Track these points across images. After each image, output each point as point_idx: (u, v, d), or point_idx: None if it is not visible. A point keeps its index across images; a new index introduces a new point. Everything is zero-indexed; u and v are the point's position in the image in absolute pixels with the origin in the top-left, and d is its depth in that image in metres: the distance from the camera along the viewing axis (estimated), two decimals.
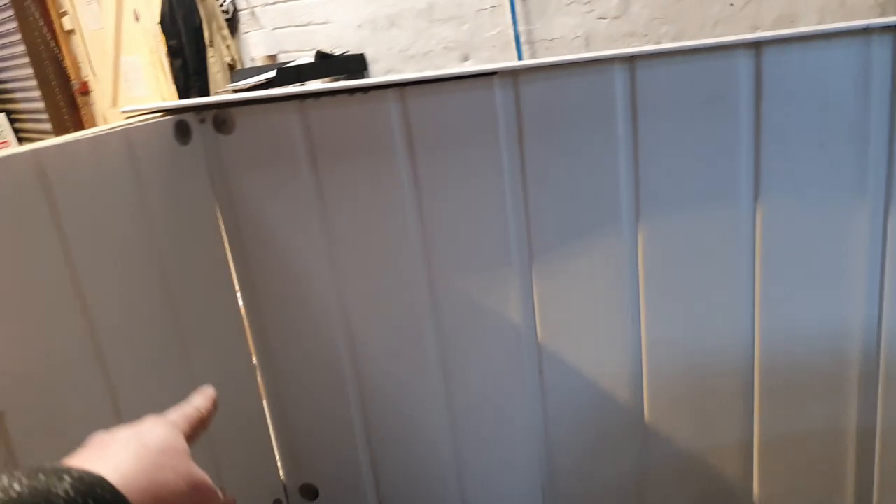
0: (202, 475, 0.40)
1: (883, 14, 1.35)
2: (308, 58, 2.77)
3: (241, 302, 0.75)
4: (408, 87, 0.66)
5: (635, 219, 0.69)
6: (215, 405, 0.46)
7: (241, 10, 2.95)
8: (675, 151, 0.67)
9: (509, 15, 2.04)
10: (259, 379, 0.78)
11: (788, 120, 0.64)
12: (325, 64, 2.73)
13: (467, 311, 0.74)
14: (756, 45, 0.63)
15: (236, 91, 2.52)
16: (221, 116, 0.67)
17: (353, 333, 0.75)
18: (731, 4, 1.56)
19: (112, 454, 0.37)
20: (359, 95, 0.66)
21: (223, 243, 0.71)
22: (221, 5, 2.81)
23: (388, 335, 0.75)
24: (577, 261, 0.72)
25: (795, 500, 0.74)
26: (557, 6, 1.92)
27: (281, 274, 0.73)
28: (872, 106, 0.62)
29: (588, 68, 0.65)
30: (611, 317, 0.73)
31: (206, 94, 2.78)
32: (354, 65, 2.79)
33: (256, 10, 2.93)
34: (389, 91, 0.66)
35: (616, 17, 1.79)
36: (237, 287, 0.74)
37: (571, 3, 1.89)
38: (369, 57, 2.78)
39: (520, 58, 2.06)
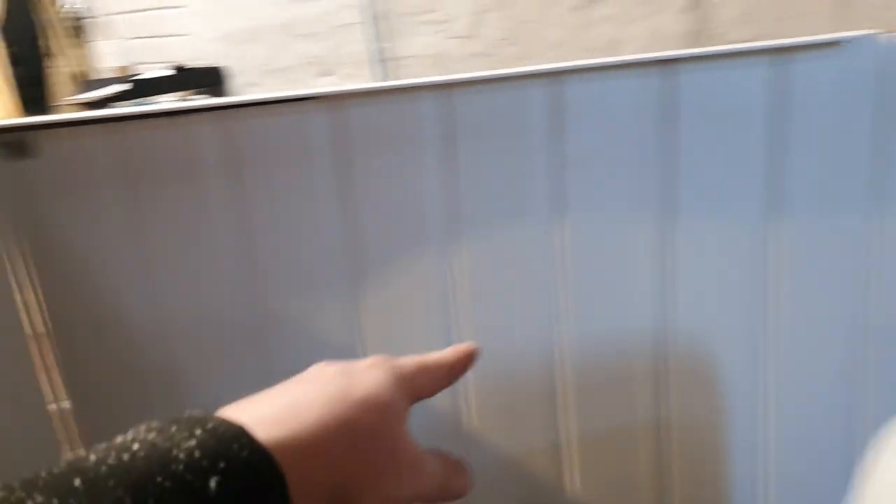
0: (413, 447, 0.30)
1: (688, 47, 1.50)
2: (162, 70, 2.67)
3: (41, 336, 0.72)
4: (226, 110, 0.67)
5: (447, 236, 0.73)
6: (470, 359, 0.37)
7: (92, 17, 2.80)
8: (487, 173, 0.71)
9: (366, 32, 2.07)
10: (69, 423, 0.74)
11: (584, 144, 0.70)
12: (181, 77, 2.64)
13: (293, 331, 0.75)
14: (555, 75, 0.69)
15: (82, 103, 2.38)
16: (21, 140, 0.64)
17: (176, 361, 0.74)
18: (569, 27, 1.68)
19: (291, 397, 0.28)
20: (176, 118, 0.66)
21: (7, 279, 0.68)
22: (60, 12, 2.64)
23: (212, 360, 0.74)
24: (398, 280, 0.75)
25: (603, 490, 0.81)
26: (412, 25, 1.98)
27: (96, 307, 0.71)
28: (650, 129, 0.70)
29: (402, 95, 0.69)
30: (430, 332, 0.77)
31: (43, 105, 2.60)
32: (211, 78, 2.72)
33: (110, 18, 2.78)
34: (205, 114, 0.66)
35: (467, 38, 1.87)
36: (47, 322, 0.71)
37: (425, 23, 1.95)
38: (229, 71, 2.72)
39: (378, 74, 2.09)
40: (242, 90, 2.71)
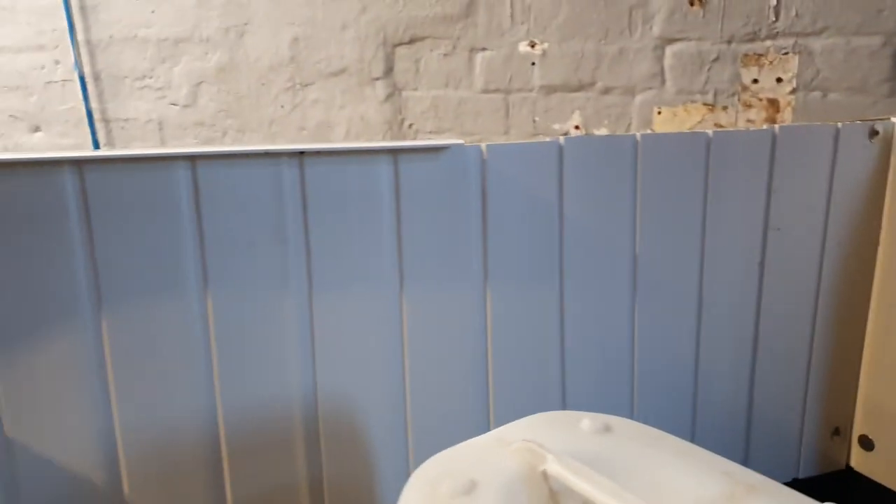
0: None
1: (389, 131, 1.68)
2: None
3: None
4: None
5: (97, 311, 0.74)
6: None
7: None
8: (132, 250, 0.74)
9: (80, 92, 1.98)
10: None
11: (225, 223, 0.76)
12: None
13: None
14: (191, 159, 0.74)
15: None
16: None
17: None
18: (282, 107, 1.77)
19: None
20: None
21: None
22: None
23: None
24: (42, 353, 0.73)
25: None
26: (130, 89, 1.93)
27: None
28: (288, 213, 0.78)
29: (36, 169, 0.69)
30: (81, 407, 0.76)
31: None
32: None
33: None
34: None
35: (186, 106, 1.88)
36: None
37: (144, 87, 1.92)
38: None
39: (93, 135, 2.00)
40: None
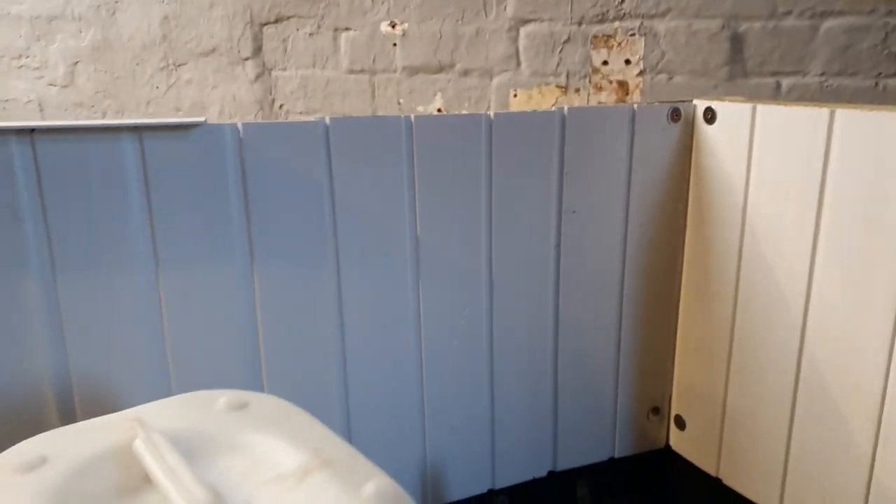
0: None
1: (261, 111, 1.66)
2: None
3: None
4: None
5: None
6: None
7: None
8: None
9: None
10: None
11: None
12: None
13: None
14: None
15: None
16: None
17: None
18: (157, 87, 1.74)
19: None
20: None
21: None
22: None
23: None
24: None
25: None
26: (8, 68, 1.89)
27: None
28: (22, 194, 0.76)
29: None
30: None
31: None
32: None
33: None
34: None
35: (65, 86, 1.84)
36: None
37: (22, 66, 1.88)
38: None
39: None
40: None
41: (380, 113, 1.55)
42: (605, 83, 1.38)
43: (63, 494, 0.44)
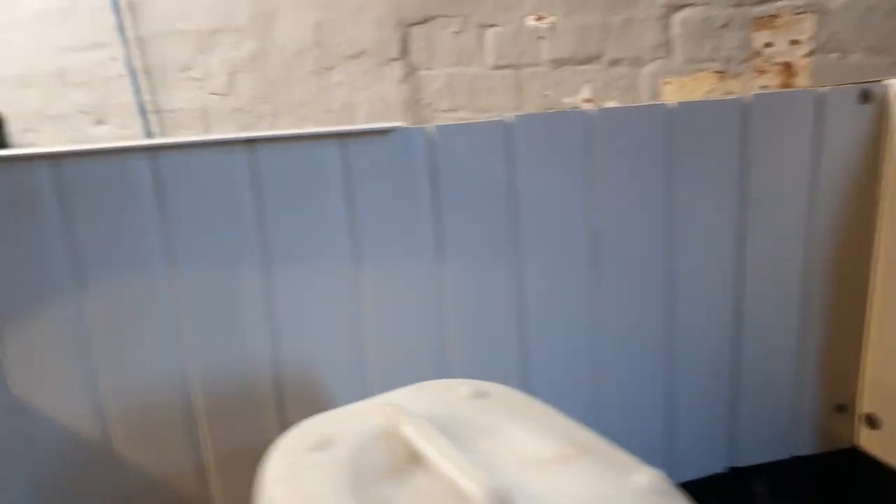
0: None
1: (408, 111, 1.72)
2: None
3: None
4: None
5: (77, 286, 0.83)
6: None
7: None
8: (104, 232, 0.82)
9: (132, 85, 2.13)
10: None
11: (187, 206, 0.83)
12: None
13: None
14: (151, 150, 0.81)
15: None
16: None
17: None
18: (310, 90, 1.84)
19: None
20: None
21: None
22: None
23: None
24: (36, 321, 0.83)
25: (245, 502, 0.92)
26: (174, 80, 2.06)
27: None
28: (245, 197, 0.84)
29: (19, 165, 0.78)
30: (72, 370, 0.85)
31: None
32: None
33: None
34: None
35: (225, 95, 1.99)
36: None
37: (187, 78, 2.04)
38: (5, 115, 2.64)
39: (146, 125, 2.15)
40: (20, 136, 2.63)
41: (526, 107, 1.56)
42: (767, 66, 1.33)
43: (352, 472, 0.49)
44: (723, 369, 1.03)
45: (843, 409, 1.10)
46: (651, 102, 1.30)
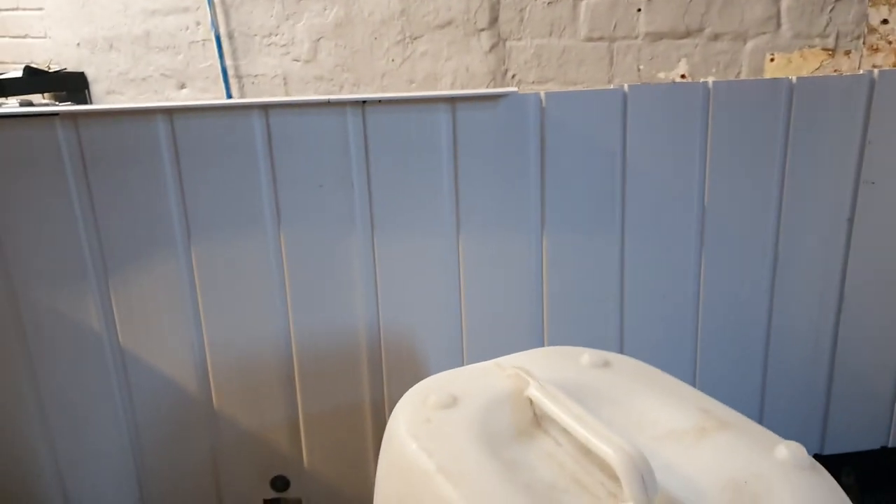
0: None
1: (493, 82, 1.70)
2: (19, 72, 2.65)
3: None
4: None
5: (188, 241, 0.85)
6: None
7: None
8: (216, 189, 0.84)
9: (216, 50, 2.16)
10: None
11: (296, 167, 0.84)
12: (38, 80, 2.63)
13: (50, 323, 0.85)
14: (265, 108, 0.82)
15: None
16: None
17: None
18: (393, 60, 1.84)
19: None
20: None
21: None
22: None
23: None
24: (145, 275, 0.86)
25: (334, 461, 0.94)
26: (259, 46, 2.09)
27: None
28: (353, 158, 0.85)
29: (135, 118, 0.81)
30: (178, 324, 0.88)
31: None
32: (73, 83, 2.72)
33: None
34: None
35: (308, 62, 2.00)
36: None
37: (270, 44, 2.06)
38: (90, 77, 2.73)
39: (227, 90, 2.18)
40: (104, 97, 2.72)
41: (617, 81, 1.53)
42: (882, 44, 1.26)
43: (482, 430, 0.50)
44: (820, 356, 1.00)
45: None
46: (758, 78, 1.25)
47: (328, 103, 0.83)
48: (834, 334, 0.99)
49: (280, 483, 0.93)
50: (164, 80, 2.43)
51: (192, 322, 0.88)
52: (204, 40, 2.20)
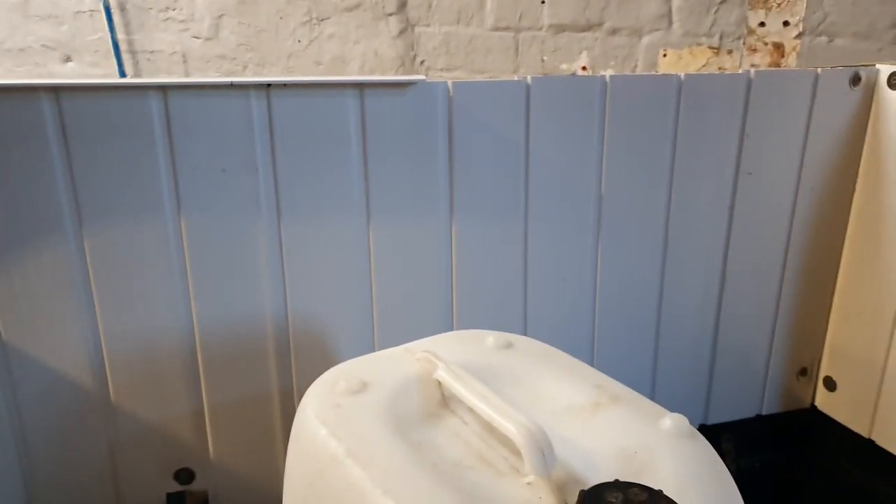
0: None
1: (402, 67, 1.70)
2: None
3: None
4: None
5: (79, 228, 0.81)
6: None
7: None
8: (110, 173, 0.80)
9: (106, 22, 2.04)
10: None
11: (197, 151, 0.82)
12: None
13: None
14: (163, 89, 0.80)
15: None
16: None
17: None
18: (299, 41, 1.80)
19: None
20: None
21: None
22: None
23: None
24: (31, 263, 0.81)
25: (241, 452, 0.93)
26: (155, 21, 1.99)
27: None
28: (257, 143, 0.83)
29: (15, 95, 0.76)
30: (69, 315, 0.84)
31: None
32: None
33: None
34: None
35: (209, 39, 1.93)
36: None
37: (168, 19, 1.97)
38: None
39: (119, 66, 2.07)
40: None
41: (522, 71, 1.57)
42: (759, 45, 1.36)
43: (391, 414, 0.51)
44: (704, 332, 1.08)
45: (805, 372, 1.16)
46: (652, 73, 1.32)
47: (231, 86, 0.81)
48: (717, 314, 1.07)
49: (184, 476, 0.91)
50: (47, 52, 2.26)
51: (85, 312, 0.84)
52: (91, 11, 2.07)
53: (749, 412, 1.16)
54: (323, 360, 0.93)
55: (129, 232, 0.83)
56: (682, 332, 1.06)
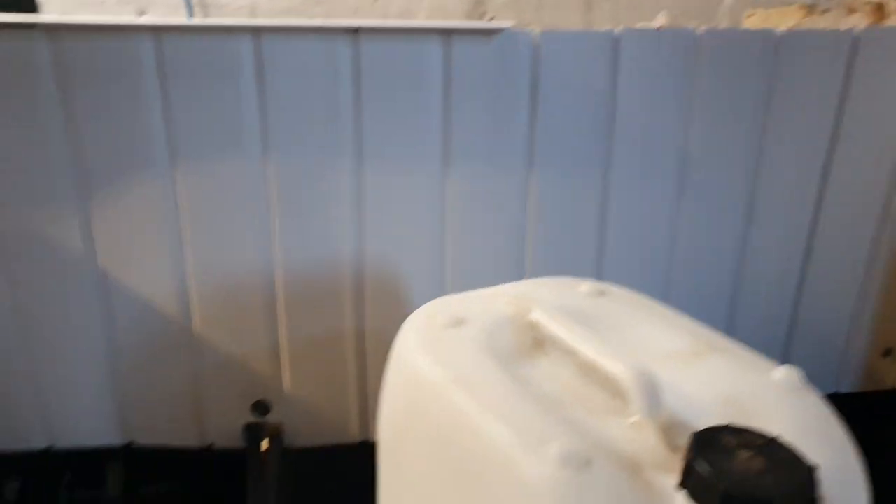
0: None
1: (470, 16, 1.67)
2: None
3: None
4: None
5: (173, 162, 0.83)
6: None
7: None
8: (203, 112, 0.82)
9: None
10: None
11: (284, 93, 0.82)
12: None
13: (27, 246, 0.82)
14: (257, 31, 0.80)
15: None
16: None
17: None
18: None
19: None
20: None
21: None
22: None
23: None
24: (127, 197, 0.84)
25: (315, 387, 0.95)
26: None
27: None
28: (342, 87, 0.83)
29: (118, 34, 0.77)
30: (160, 247, 0.87)
31: None
32: (20, 2, 2.56)
33: None
34: None
35: None
36: None
37: None
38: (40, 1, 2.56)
39: (189, 15, 2.10)
40: (58, 15, 2.57)
41: (595, 28, 1.52)
42: (858, 4, 1.29)
43: (486, 348, 0.51)
44: (784, 303, 1.05)
45: (890, 352, 1.12)
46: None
47: (319, 29, 0.81)
48: (798, 285, 1.04)
49: (261, 408, 0.93)
50: (122, 6, 2.31)
51: (175, 245, 0.87)
52: None
53: (826, 388, 1.13)
54: (396, 304, 0.94)
55: (218, 170, 0.84)
56: (759, 302, 1.04)
